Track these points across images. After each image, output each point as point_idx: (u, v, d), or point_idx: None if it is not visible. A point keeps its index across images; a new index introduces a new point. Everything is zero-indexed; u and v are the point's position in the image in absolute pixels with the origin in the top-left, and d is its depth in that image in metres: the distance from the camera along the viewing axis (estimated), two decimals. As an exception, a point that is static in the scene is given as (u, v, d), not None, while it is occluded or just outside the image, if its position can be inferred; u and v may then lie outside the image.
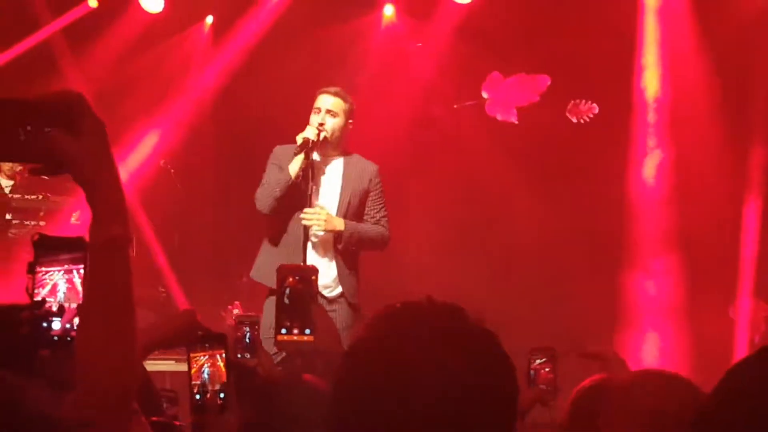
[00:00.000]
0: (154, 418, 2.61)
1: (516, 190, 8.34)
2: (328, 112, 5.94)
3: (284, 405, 2.39)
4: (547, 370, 3.72)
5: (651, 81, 8.13)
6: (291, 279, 2.71)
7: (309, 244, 5.84)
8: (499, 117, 8.60)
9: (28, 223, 8.18)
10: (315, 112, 5.95)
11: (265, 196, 5.79)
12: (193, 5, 8.45)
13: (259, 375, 2.77)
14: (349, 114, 5.98)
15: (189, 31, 8.69)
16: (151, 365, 4.87)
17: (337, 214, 5.93)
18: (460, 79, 8.52)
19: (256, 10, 8.39)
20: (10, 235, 8.14)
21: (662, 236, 8.00)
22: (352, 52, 8.55)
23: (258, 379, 2.68)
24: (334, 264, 5.95)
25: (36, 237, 1.94)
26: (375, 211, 6.12)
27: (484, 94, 8.63)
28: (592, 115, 8.37)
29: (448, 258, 8.11)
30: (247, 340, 3.09)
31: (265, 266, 5.73)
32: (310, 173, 5.81)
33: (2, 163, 8.12)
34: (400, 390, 1.53)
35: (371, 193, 6.11)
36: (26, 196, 8.19)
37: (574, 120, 8.37)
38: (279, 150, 6.00)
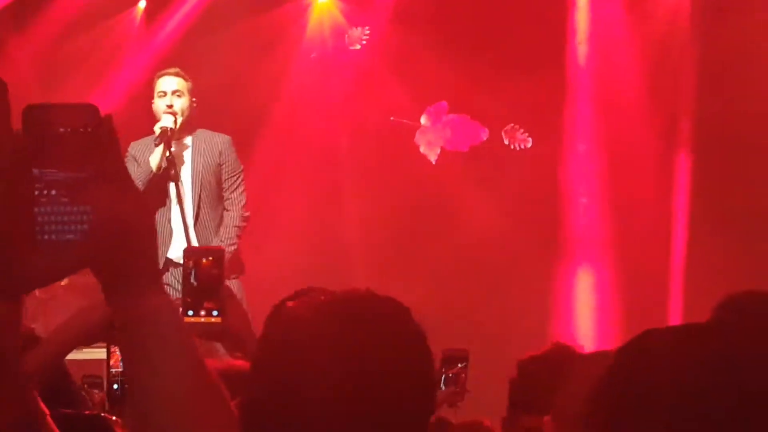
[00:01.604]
0: (66, 411, 2.55)
1: (453, 183, 8.34)
2: (174, 93, 5.89)
3: None
4: (455, 372, 3.74)
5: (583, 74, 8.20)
6: (197, 259, 2.66)
7: (173, 237, 5.83)
8: (421, 149, 8.50)
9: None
10: (160, 96, 5.90)
11: None
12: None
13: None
14: (192, 92, 5.95)
15: (121, 17, 8.57)
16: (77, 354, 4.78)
17: (191, 194, 5.91)
18: (396, 63, 8.47)
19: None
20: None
21: (595, 234, 8.07)
22: (286, 37, 8.48)
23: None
24: None
25: None
26: (230, 188, 6.09)
27: (423, 120, 8.53)
28: (524, 147, 8.34)
29: (387, 255, 8.10)
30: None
31: None
32: (174, 162, 5.78)
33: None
34: (313, 370, 1.54)
35: (223, 166, 6.08)
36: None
37: (506, 142, 8.37)
38: (133, 147, 5.96)
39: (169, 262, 5.78)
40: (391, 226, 8.10)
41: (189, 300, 2.64)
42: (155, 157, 5.81)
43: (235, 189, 6.16)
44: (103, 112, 1.30)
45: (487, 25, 8.15)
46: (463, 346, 4.03)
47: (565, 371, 2.61)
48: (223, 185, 6.11)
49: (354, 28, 8.57)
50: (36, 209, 1.26)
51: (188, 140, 6.04)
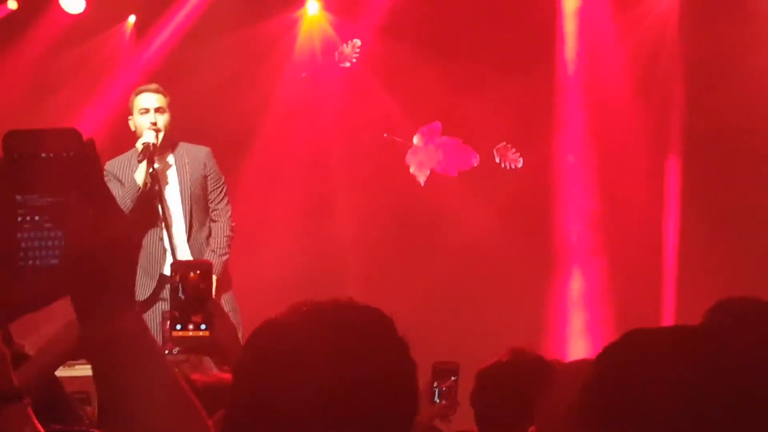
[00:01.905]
0: (56, 427, 2.55)
1: (443, 194, 8.34)
2: (156, 110, 5.91)
3: None
4: (448, 385, 3.74)
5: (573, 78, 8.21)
6: (185, 273, 2.66)
7: (167, 255, 5.82)
8: (411, 169, 8.49)
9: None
10: (142, 113, 5.90)
11: None
12: (115, 5, 8.33)
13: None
14: (171, 107, 5.97)
15: (111, 32, 8.57)
16: (65, 371, 4.78)
17: (182, 210, 5.91)
18: (386, 75, 8.48)
19: (177, 9, 8.30)
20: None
21: (587, 240, 8.07)
22: (276, 51, 8.50)
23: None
24: None
25: None
26: (216, 199, 6.10)
27: (416, 140, 8.52)
28: (515, 167, 8.34)
29: (379, 267, 8.11)
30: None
31: None
32: (158, 178, 5.78)
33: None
34: (294, 378, 1.55)
35: (209, 178, 6.09)
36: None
37: (497, 160, 8.37)
38: (111, 165, 5.95)
39: (165, 279, 5.78)
40: (382, 238, 8.12)
41: (177, 314, 2.64)
42: (140, 174, 5.80)
43: (222, 199, 6.17)
44: (86, 135, 1.30)
45: (476, 33, 8.17)
46: (454, 359, 4.03)
47: (532, 379, 2.60)
48: (209, 196, 6.11)
49: (345, 44, 8.57)
50: (19, 235, 1.26)
51: (170, 157, 6.04)
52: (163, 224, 5.88)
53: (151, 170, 5.76)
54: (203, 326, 2.62)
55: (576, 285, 8.08)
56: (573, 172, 8.18)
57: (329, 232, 8.21)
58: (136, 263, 1.33)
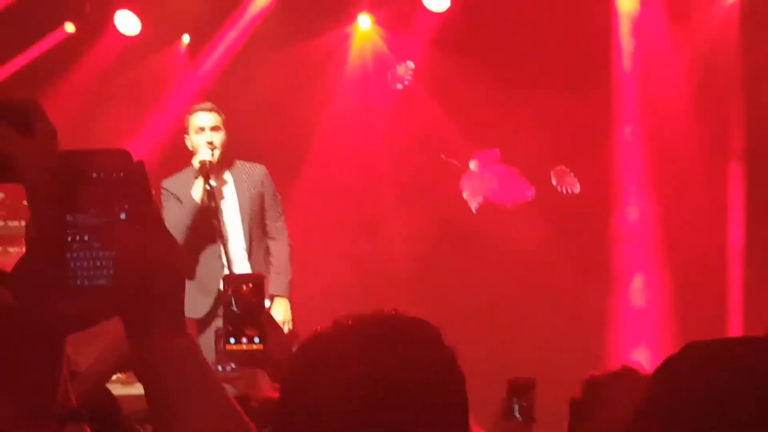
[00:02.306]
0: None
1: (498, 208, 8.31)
2: (212, 128, 5.96)
3: None
4: (525, 402, 3.70)
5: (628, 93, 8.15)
6: (237, 286, 2.68)
7: (225, 272, 5.85)
8: (464, 194, 8.45)
9: (12, 250, 8.16)
10: (198, 132, 5.96)
11: (176, 225, 5.75)
12: (169, 26, 8.43)
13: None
14: (226, 125, 6.02)
15: (165, 52, 8.68)
16: (123, 389, 4.82)
17: (242, 228, 5.93)
18: (439, 88, 8.47)
19: (230, 27, 8.38)
20: (-7, 262, 8.12)
21: (647, 254, 8.00)
22: (328, 66, 8.54)
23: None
24: None
25: None
26: (274, 217, 6.13)
27: (472, 165, 8.49)
28: (571, 191, 8.29)
29: (431, 281, 8.10)
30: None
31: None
32: (214, 195, 5.83)
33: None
34: (339, 392, 1.54)
35: (265, 195, 6.13)
36: (8, 223, 8.17)
37: (554, 182, 8.32)
38: (169, 183, 6.01)
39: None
40: (434, 253, 8.11)
41: (230, 327, 2.66)
42: (197, 191, 5.86)
43: (279, 218, 6.21)
44: (136, 156, 1.32)
45: (529, 48, 8.12)
46: (521, 374, 4.00)
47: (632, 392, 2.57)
48: (266, 214, 6.15)
49: (398, 65, 8.59)
50: (68, 255, 1.28)
51: (227, 175, 6.09)
52: (221, 242, 5.92)
53: (208, 187, 5.82)
54: (256, 339, 2.64)
55: (638, 298, 8.00)
56: (631, 186, 8.11)
57: (379, 248, 8.22)
58: (184, 283, 1.34)
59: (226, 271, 5.88)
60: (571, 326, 7.66)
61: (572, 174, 8.30)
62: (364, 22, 8.58)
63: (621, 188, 8.15)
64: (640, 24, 8.16)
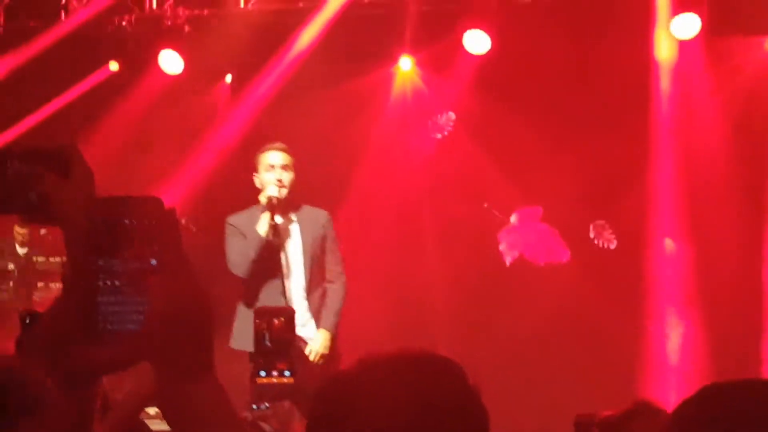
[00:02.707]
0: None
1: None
2: (283, 167, 6.02)
3: None
4: None
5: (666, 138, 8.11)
6: (269, 320, 2.68)
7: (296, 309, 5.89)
8: (501, 247, 8.41)
9: (53, 285, 8.23)
10: (268, 170, 6.06)
11: (240, 259, 5.82)
12: (212, 65, 8.51)
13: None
14: (295, 167, 6.10)
15: (208, 91, 8.76)
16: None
17: (303, 268, 5.99)
18: (479, 132, 8.47)
19: (273, 67, 8.43)
20: (36, 299, 8.19)
21: (682, 291, 7.94)
22: (371, 106, 8.58)
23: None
24: (312, 324, 6.01)
25: (26, 317, 1.87)
26: (333, 261, 6.20)
27: (513, 219, 8.45)
28: (607, 246, 8.25)
29: (469, 317, 8.07)
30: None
31: (244, 333, 5.53)
32: (279, 232, 5.89)
33: (16, 231, 8.23)
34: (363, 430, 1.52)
35: (327, 240, 6.20)
36: (50, 259, 8.24)
37: (592, 236, 8.28)
38: (234, 219, 6.09)
39: None
40: (472, 289, 8.09)
41: (261, 360, 2.66)
42: (263, 226, 5.93)
43: (339, 263, 6.30)
44: (167, 204, 1.36)
45: (569, 91, 8.11)
46: (557, 415, 3.97)
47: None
48: (327, 257, 6.22)
49: (440, 116, 8.61)
50: (100, 299, 1.31)
51: (293, 215, 6.16)
52: (282, 278, 5.97)
53: (273, 222, 5.89)
54: (287, 373, 2.63)
55: (673, 339, 7.92)
56: (668, 233, 8.06)
57: (416, 289, 8.22)
58: (211, 329, 1.36)
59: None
60: (604, 366, 7.60)
61: (610, 230, 8.25)
62: (406, 63, 8.62)
63: (656, 234, 8.10)
64: (679, 70, 8.13)
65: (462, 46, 8.27)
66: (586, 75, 8.09)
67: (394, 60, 8.60)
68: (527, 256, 8.31)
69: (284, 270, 6.01)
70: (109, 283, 1.31)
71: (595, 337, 7.80)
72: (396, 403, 1.54)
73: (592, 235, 8.32)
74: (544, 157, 8.12)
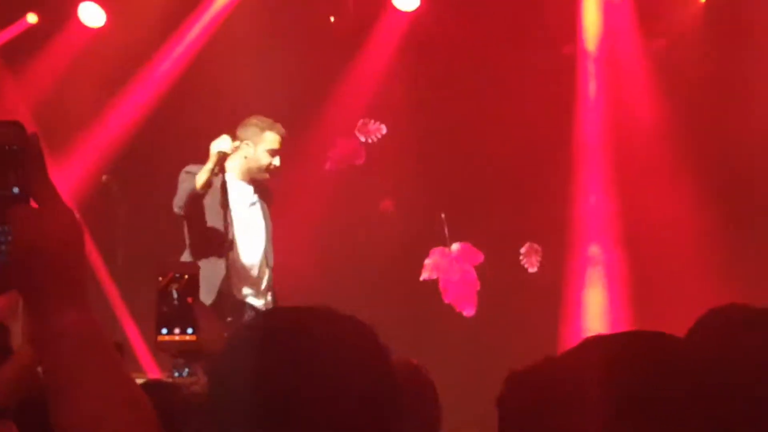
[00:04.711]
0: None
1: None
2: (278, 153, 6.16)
3: None
4: None
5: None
6: (171, 276, 2.61)
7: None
8: (427, 261, 8.09)
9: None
10: (270, 153, 6.04)
11: (176, 200, 5.77)
12: (136, 19, 8.31)
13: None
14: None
15: (131, 44, 8.55)
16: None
17: (265, 241, 6.11)
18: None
19: (196, 20, 8.29)
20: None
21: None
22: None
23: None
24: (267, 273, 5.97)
25: None
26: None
27: (454, 247, 8.15)
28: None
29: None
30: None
31: None
32: (224, 190, 5.89)
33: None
34: (259, 385, 1.49)
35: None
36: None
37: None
38: (192, 168, 5.99)
39: (222, 295, 5.83)
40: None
41: (164, 317, 2.59)
42: (202, 175, 5.81)
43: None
44: (28, 130, 1.29)
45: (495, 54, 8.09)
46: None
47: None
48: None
49: (372, 121, 8.42)
50: None
51: (262, 196, 6.14)
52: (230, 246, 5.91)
53: (213, 175, 5.76)
54: (190, 330, 2.57)
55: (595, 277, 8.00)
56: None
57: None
58: (82, 259, 1.32)
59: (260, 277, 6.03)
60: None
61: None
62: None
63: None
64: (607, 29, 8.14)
65: (390, 2, 8.18)
66: (514, 38, 8.06)
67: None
68: (440, 286, 8.13)
69: (230, 236, 5.92)
70: None
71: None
72: (292, 358, 1.49)
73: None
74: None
